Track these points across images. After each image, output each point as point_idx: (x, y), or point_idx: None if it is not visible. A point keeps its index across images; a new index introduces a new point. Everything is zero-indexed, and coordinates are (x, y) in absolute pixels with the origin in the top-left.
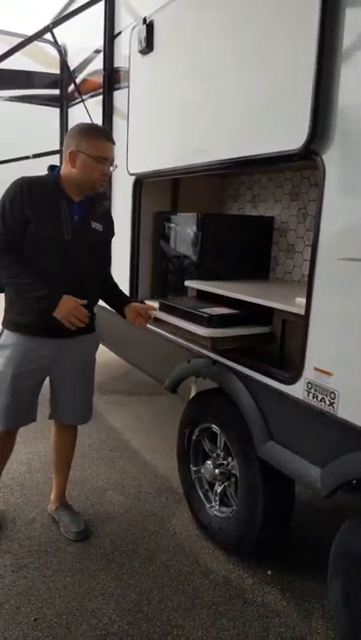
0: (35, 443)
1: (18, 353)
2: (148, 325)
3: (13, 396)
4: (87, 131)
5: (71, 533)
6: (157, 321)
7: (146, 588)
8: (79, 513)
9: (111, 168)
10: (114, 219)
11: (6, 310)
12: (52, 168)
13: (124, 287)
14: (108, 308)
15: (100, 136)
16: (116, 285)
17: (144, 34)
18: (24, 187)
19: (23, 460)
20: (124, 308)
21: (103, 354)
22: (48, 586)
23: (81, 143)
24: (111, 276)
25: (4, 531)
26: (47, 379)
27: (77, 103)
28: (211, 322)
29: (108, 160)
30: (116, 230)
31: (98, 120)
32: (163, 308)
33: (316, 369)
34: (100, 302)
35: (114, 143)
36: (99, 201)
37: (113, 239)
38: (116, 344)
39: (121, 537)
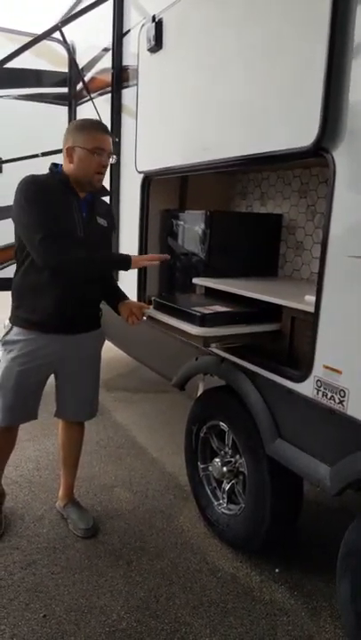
0: (43, 440)
1: (26, 349)
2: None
3: (18, 392)
4: (82, 125)
5: (79, 530)
6: (154, 319)
7: (154, 586)
8: (87, 510)
9: (110, 160)
10: (122, 216)
11: (15, 307)
12: (55, 166)
13: (132, 285)
14: None
15: (94, 128)
16: (112, 281)
17: (153, 32)
18: (37, 183)
19: (31, 456)
20: (119, 305)
21: (109, 350)
22: (57, 582)
23: (77, 137)
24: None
25: (12, 527)
26: (52, 376)
27: (86, 101)
28: (203, 320)
29: (104, 151)
30: (124, 228)
31: (106, 118)
32: (157, 306)
33: (326, 367)
34: None
35: (110, 135)
36: (99, 197)
37: (121, 237)
38: (122, 341)
39: (129, 534)
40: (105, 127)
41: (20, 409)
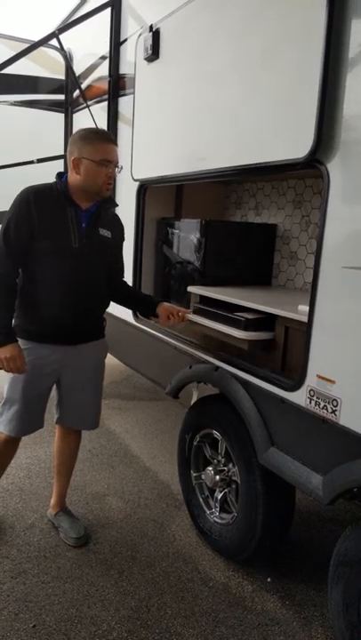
0: (35, 447)
1: (29, 359)
2: (148, 330)
3: (25, 403)
4: (88, 135)
5: (70, 539)
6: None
7: (145, 595)
8: (79, 518)
9: (116, 170)
10: None
11: (17, 317)
12: (59, 175)
13: None
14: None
15: (101, 139)
16: (136, 290)
17: (150, 41)
18: (30, 199)
19: (23, 464)
20: (156, 308)
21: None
22: (47, 592)
23: (83, 149)
24: (125, 282)
25: (2, 536)
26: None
27: (82, 109)
28: (247, 325)
29: (112, 163)
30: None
31: (103, 126)
32: (198, 311)
33: (319, 376)
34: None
35: (116, 145)
36: (106, 207)
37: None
38: (117, 348)
39: (120, 543)
40: (111, 137)
41: (29, 419)
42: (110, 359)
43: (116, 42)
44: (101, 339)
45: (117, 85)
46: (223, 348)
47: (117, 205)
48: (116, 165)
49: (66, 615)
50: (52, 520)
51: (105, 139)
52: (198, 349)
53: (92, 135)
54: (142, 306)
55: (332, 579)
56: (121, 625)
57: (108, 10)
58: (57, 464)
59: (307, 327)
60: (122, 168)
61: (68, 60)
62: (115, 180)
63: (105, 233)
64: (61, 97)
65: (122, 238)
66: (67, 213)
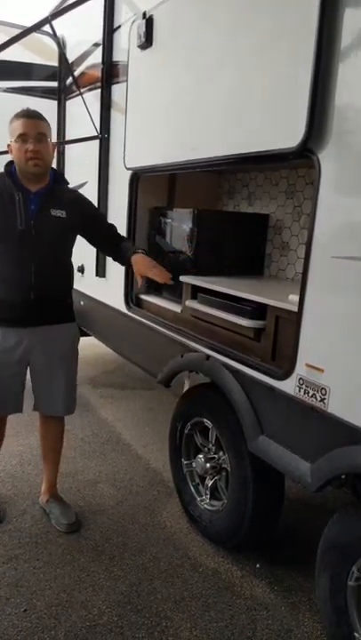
0: (27, 435)
1: None
2: (140, 319)
3: None
4: (11, 119)
5: (62, 525)
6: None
7: (135, 580)
8: (70, 505)
9: (42, 143)
10: (110, 213)
11: None
12: (10, 163)
13: (119, 281)
14: (96, 298)
15: (15, 118)
16: (118, 238)
17: (143, 29)
18: None
19: (15, 452)
20: (131, 258)
21: (95, 347)
22: (38, 577)
23: (9, 133)
24: (113, 235)
25: None
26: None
27: (75, 96)
28: (253, 314)
29: (27, 136)
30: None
31: (96, 114)
32: (202, 300)
33: (308, 365)
34: (83, 290)
35: (35, 117)
36: (60, 188)
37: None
38: (107, 336)
39: (111, 529)
40: (26, 112)
41: None
42: (102, 348)
43: (110, 29)
44: (69, 322)
45: (110, 73)
46: (218, 337)
47: (68, 183)
48: (39, 138)
49: (57, 600)
50: (44, 507)
51: (20, 115)
52: (190, 338)
53: (12, 117)
54: (117, 257)
55: (320, 565)
56: (111, 609)
57: None
58: (43, 449)
59: (297, 316)
60: (50, 139)
61: (62, 46)
62: (107, 168)
63: (58, 213)
64: (54, 84)
65: (86, 210)
66: (14, 197)
